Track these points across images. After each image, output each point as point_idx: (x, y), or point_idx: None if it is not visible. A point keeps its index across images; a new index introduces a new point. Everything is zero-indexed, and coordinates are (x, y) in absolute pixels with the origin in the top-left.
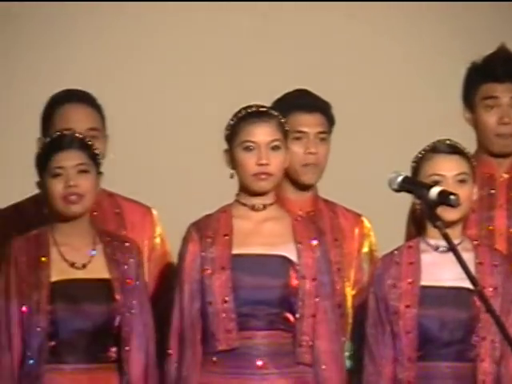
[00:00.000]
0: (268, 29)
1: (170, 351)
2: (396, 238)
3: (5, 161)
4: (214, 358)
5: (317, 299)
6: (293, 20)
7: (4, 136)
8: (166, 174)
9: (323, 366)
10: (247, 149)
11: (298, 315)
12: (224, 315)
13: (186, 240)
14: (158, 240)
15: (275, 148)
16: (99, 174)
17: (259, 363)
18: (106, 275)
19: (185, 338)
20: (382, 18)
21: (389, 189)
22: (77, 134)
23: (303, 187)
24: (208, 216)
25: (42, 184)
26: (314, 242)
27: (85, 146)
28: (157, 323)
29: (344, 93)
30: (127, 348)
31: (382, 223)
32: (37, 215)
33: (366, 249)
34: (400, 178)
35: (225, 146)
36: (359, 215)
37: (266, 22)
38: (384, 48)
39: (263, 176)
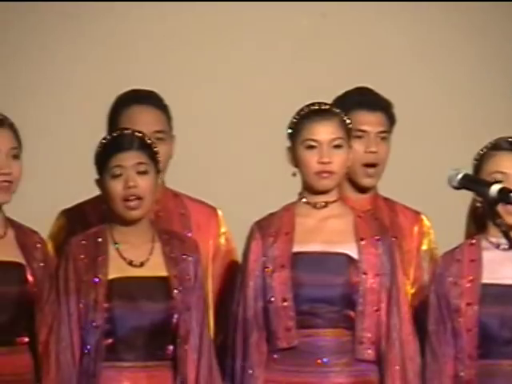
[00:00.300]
0: (327, 28)
1: (235, 351)
2: (456, 236)
3: (68, 161)
4: (276, 356)
5: (380, 296)
6: (351, 19)
7: (68, 136)
8: (231, 173)
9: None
10: (309, 147)
11: (358, 312)
12: (283, 313)
13: (249, 239)
14: (222, 240)
15: (337, 146)
16: (158, 172)
17: (319, 361)
18: (163, 273)
19: (249, 337)
20: (442, 17)
21: (449, 186)
22: (136, 134)
23: (363, 189)
24: (271, 214)
25: (100, 182)
26: (376, 238)
27: (144, 145)
28: (223, 322)
29: (402, 91)
30: (185, 346)
31: (442, 221)
32: (100, 215)
33: (425, 247)
34: (460, 176)
35: (288, 144)
36: (419, 213)
37: (324, 22)
38: (444, 47)
39: (325, 174)
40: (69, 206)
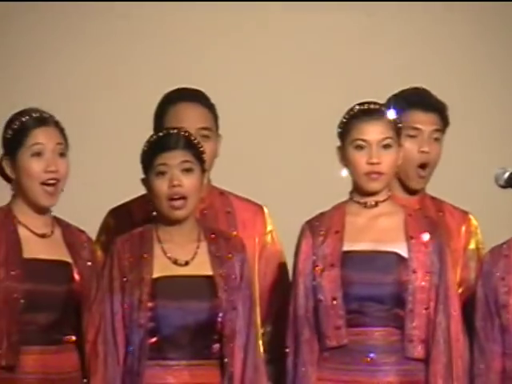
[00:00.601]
0: (373, 28)
1: (287, 349)
2: (502, 236)
3: (116, 160)
4: (326, 354)
5: (430, 294)
6: (397, 18)
7: (114, 136)
8: (279, 172)
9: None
10: (358, 147)
11: (407, 310)
12: (333, 312)
13: (300, 238)
14: (268, 238)
15: (387, 146)
16: (204, 172)
17: (368, 359)
18: (209, 272)
19: (300, 335)
20: (490, 15)
21: (495, 185)
22: (182, 133)
23: (412, 191)
24: (322, 213)
25: (146, 181)
26: (426, 237)
27: (190, 144)
28: (270, 321)
29: (447, 90)
30: (230, 345)
31: (488, 221)
32: (145, 214)
33: (472, 246)
34: (507, 174)
35: (337, 142)
36: (466, 213)
37: (370, 22)
38: (493, 45)
39: (374, 176)
40: (115, 205)
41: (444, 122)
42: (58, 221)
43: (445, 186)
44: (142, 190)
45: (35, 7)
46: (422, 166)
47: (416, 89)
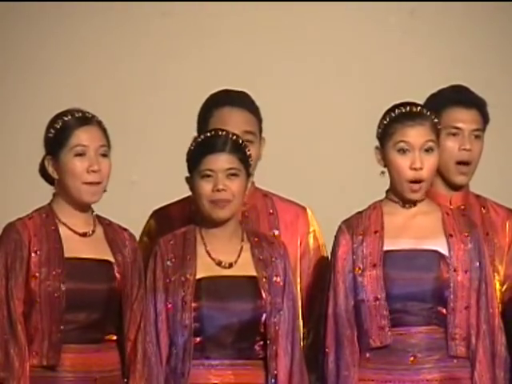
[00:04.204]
0: (415, 25)
1: (326, 350)
2: None
3: (158, 161)
4: (368, 354)
5: (470, 292)
6: (440, 16)
7: (156, 136)
8: (321, 173)
9: (477, 363)
10: (401, 150)
11: (449, 308)
12: (376, 312)
13: (337, 238)
14: (311, 238)
15: (429, 150)
16: (249, 175)
17: (412, 358)
18: (253, 273)
19: (341, 336)
20: None
21: None
22: (229, 136)
23: (455, 187)
24: (359, 213)
25: (191, 180)
26: (465, 234)
27: (236, 148)
28: (311, 320)
29: (490, 89)
30: (273, 347)
31: None
32: (186, 216)
33: None
34: None
35: (373, 143)
36: (511, 210)
37: (412, 19)
38: None
39: (416, 187)
40: (159, 206)
41: (484, 118)
42: (99, 219)
43: (489, 184)
44: (185, 192)
45: (80, 6)
46: (463, 163)
47: (454, 86)
